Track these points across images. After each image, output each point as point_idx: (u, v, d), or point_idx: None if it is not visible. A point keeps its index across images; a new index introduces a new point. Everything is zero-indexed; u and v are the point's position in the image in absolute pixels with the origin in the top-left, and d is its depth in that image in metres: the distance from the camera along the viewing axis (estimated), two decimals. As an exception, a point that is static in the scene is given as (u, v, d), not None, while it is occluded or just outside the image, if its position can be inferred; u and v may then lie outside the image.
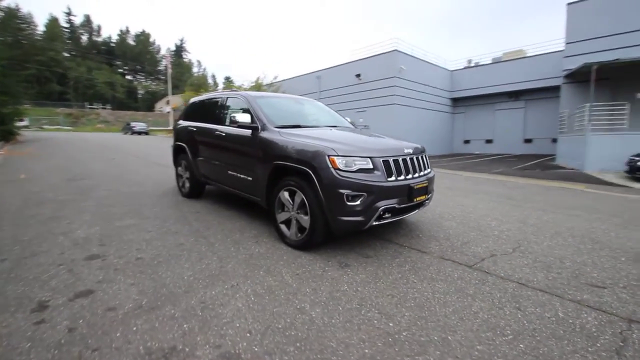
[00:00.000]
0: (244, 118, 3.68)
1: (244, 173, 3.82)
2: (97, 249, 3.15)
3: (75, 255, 2.99)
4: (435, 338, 1.93)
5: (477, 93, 23.42)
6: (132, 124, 37.66)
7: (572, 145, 12.58)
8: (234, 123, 3.73)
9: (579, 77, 13.55)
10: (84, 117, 54.53)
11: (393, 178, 3.01)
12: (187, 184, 5.23)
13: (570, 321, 2.13)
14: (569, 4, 13.82)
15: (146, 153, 13.89)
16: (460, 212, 4.87)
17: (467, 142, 24.39)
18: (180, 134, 5.34)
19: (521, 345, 1.88)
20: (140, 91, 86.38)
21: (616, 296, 2.44)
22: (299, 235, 3.19)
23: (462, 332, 1.99)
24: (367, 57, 21.69)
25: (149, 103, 78.88)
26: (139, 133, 35.95)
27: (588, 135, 11.11)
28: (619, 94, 12.89)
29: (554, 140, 17.88)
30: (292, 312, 2.16)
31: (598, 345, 1.89)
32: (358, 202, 2.84)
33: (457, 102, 24.98)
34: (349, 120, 4.80)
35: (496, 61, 25.07)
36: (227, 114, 4.37)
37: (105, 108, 63.59)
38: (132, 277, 2.58)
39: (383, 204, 2.92)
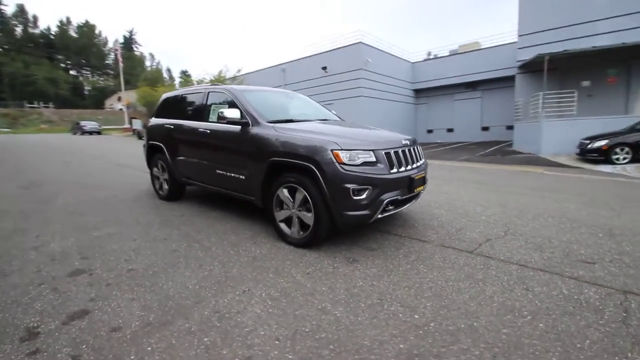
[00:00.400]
0: (233, 113, 3.48)
1: (235, 172, 3.63)
2: (80, 262, 2.84)
3: (56, 271, 2.68)
4: (462, 326, 1.96)
5: (438, 84, 24.33)
6: (82, 123, 34.82)
7: (528, 132, 13.52)
8: (222, 119, 3.53)
9: (531, 67, 14.54)
10: (24, 117, 49.41)
11: (395, 170, 3.01)
12: (166, 186, 4.91)
13: (575, 297, 2.27)
14: (521, -2, 14.72)
15: (104, 154, 12.87)
16: (445, 199, 5.04)
17: (430, 131, 25.34)
18: (154, 133, 4.97)
19: (541, 325, 1.97)
20: (87, 87, 79.81)
21: (607, 270, 2.65)
22: (302, 233, 3.11)
23: (485, 317, 2.04)
24: (332, 50, 21.68)
25: (97, 100, 73.05)
26: (90, 133, 33.33)
27: (542, 121, 12.00)
28: (567, 83, 14.03)
29: (509, 127, 19.14)
30: (315, 313, 2.09)
31: (606, 317, 2.03)
32: (364, 196, 2.81)
33: (419, 93, 25.81)
34: (334, 112, 4.74)
35: (453, 53, 26.15)
36: (210, 109, 4.12)
37: (47, 107, 57.92)
38: (129, 292, 2.36)
39: (387, 197, 2.92)
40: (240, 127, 3.57)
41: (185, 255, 2.97)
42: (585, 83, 13.75)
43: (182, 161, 4.46)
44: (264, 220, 3.95)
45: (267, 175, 3.28)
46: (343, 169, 2.79)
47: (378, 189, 2.85)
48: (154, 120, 5.11)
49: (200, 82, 26.58)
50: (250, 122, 3.52)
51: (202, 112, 4.20)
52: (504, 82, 20.36)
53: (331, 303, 2.21)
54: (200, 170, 4.18)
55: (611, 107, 13.06)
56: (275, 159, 3.16)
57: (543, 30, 13.96)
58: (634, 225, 3.78)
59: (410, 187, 3.13)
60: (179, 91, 4.87)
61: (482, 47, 24.26)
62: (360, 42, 20.33)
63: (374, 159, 2.90)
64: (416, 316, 2.06)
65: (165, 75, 68.10)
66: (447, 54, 27.11)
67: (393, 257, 2.93)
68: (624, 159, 9.43)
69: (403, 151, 3.19)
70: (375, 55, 21.48)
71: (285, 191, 3.15)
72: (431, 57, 28.20)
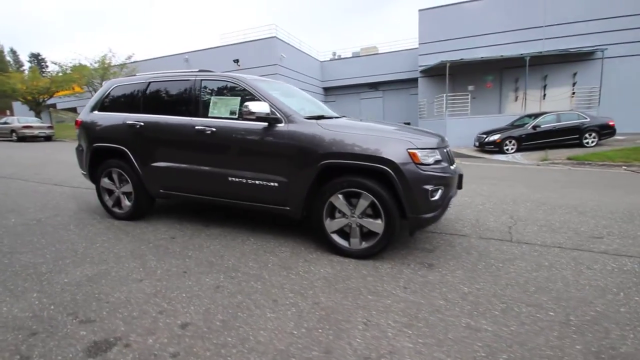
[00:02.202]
0: (261, 108, 2.85)
1: (263, 179, 2.99)
2: (88, 329, 1.87)
3: (63, 353, 1.69)
4: (593, 314, 2.04)
5: (344, 83, 25.79)
6: None
7: (432, 128, 15.58)
8: (248, 114, 2.84)
9: (431, 72, 16.80)
10: None
11: (452, 168, 2.97)
12: (127, 202, 3.74)
13: (625, 269, 2.65)
14: (420, 10, 16.79)
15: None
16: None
17: (341, 128, 26.68)
18: (103, 132, 3.71)
19: (636, 298, 2.21)
20: None
21: (618, 242, 3.20)
22: (364, 243, 2.78)
23: (597, 300, 2.18)
24: (245, 42, 20.57)
25: None
26: None
27: (447, 119, 14.04)
28: (457, 87, 16.73)
29: (406, 124, 21.81)
30: (467, 332, 1.86)
31: (664, 283, 2.43)
32: (437, 197, 2.68)
33: (328, 91, 26.90)
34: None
35: (355, 55, 28.13)
36: (207, 102, 3.29)
37: None
38: (222, 357, 1.66)
39: (451, 195, 2.86)
40: (266, 124, 2.96)
41: (240, 291, 2.30)
42: (471, 87, 16.65)
43: (161, 169, 3.45)
44: (283, 231, 3.41)
45: (316, 181, 2.82)
46: (420, 169, 2.60)
47: (447, 188, 2.77)
48: (98, 116, 3.82)
49: (76, 68, 21.64)
50: (282, 118, 2.95)
51: (192, 105, 3.31)
52: (404, 83, 22.95)
53: (468, 317, 2.01)
54: (196, 179, 3.30)
55: (489, 108, 16.20)
56: (330, 161, 2.72)
57: (440, 40, 16.26)
58: (589, 203, 4.70)
59: (460, 184, 3.15)
60: (144, 76, 3.73)
61: (380, 51, 26.79)
62: (275, 37, 19.87)
63: (439, 157, 2.79)
64: (551, 313, 2.05)
65: (8, 59, 53.10)
66: (351, 55, 28.97)
67: (458, 257, 2.89)
68: (512, 149, 11.80)
69: (448, 149, 3.18)
70: (289, 52, 21.36)
71: (341, 197, 2.76)
72: (336, 57, 29.66)
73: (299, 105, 3.50)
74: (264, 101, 2.96)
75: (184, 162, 3.34)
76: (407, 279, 2.48)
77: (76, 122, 4.00)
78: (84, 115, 3.93)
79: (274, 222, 3.77)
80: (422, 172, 2.59)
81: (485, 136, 12.19)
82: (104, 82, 4.16)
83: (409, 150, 2.60)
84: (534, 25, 14.89)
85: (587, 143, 11.48)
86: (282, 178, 2.93)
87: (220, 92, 3.30)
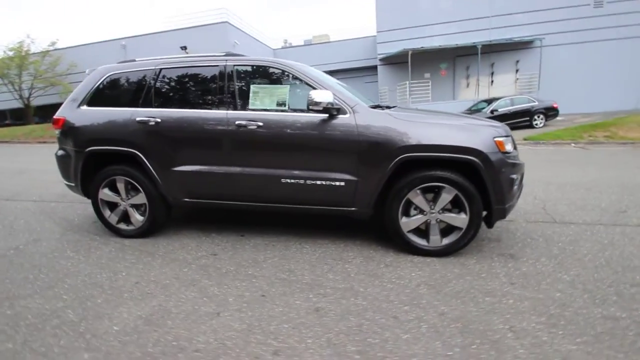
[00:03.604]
0: (325, 97, 2.47)
1: (326, 178, 2.63)
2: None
3: None
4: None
5: (300, 72, 25.18)
6: None
7: (396, 115, 15.99)
8: (313, 105, 2.45)
9: (391, 60, 17.13)
10: None
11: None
12: (139, 215, 3.09)
13: (674, 240, 2.86)
14: (377, -2, 16.90)
15: None
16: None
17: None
18: (108, 133, 2.95)
19: None
20: None
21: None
22: (444, 239, 2.61)
23: (686, 276, 2.29)
24: (192, 27, 18.87)
25: None
26: None
27: (411, 105, 14.46)
28: (414, 74, 17.30)
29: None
30: (616, 324, 1.79)
31: None
32: (516, 185, 2.61)
33: (283, 80, 26.10)
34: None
35: (307, 43, 27.69)
36: (242, 91, 2.78)
37: None
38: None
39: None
40: (326, 115, 2.60)
41: (348, 311, 1.97)
42: (427, 75, 17.36)
43: (187, 173, 2.87)
44: (331, 234, 3.10)
45: (391, 177, 2.55)
46: (506, 157, 2.48)
47: (522, 175, 2.71)
48: (90, 112, 3.05)
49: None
50: (346, 108, 2.60)
51: (226, 96, 2.78)
52: (357, 71, 23.12)
53: (595, 306, 1.94)
54: (236, 183, 2.80)
55: (444, 94, 17.08)
56: (409, 155, 2.47)
57: (397, 29, 16.58)
58: (583, 179, 5.08)
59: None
60: (148, 62, 3.02)
61: (332, 39, 26.69)
62: (226, 22, 18.55)
63: (513, 145, 2.70)
64: (663, 294, 2.09)
65: None
66: (302, 43, 28.42)
67: (528, 243, 2.86)
68: (474, 132, 12.56)
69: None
70: (241, 38, 20.17)
71: (420, 193, 2.54)
72: (287, 45, 28.88)
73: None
74: (326, 89, 2.58)
75: (218, 164, 2.82)
76: (505, 274, 2.37)
77: (55, 120, 3.17)
78: (68, 111, 3.12)
79: (311, 224, 3.42)
80: (507, 160, 2.48)
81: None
82: (87, 70, 3.30)
83: (495, 139, 2.46)
84: (481, 16, 15.93)
85: (537, 124, 12.70)
86: (349, 176, 2.61)
87: (259, 79, 2.83)
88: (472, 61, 16.37)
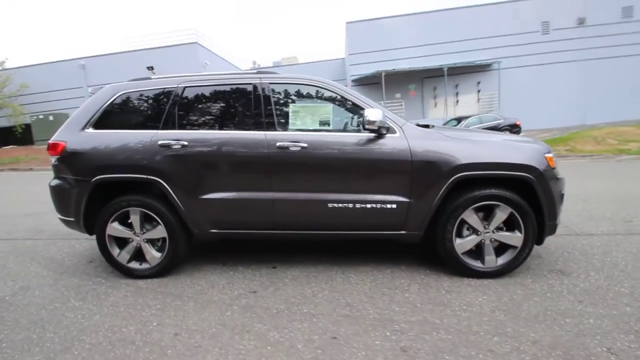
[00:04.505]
0: (377, 115, 2.35)
1: (377, 201, 2.46)
2: None
3: None
4: None
5: (271, 92, 25.24)
6: None
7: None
8: (369, 124, 2.32)
9: (363, 81, 17.68)
10: None
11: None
12: (156, 252, 2.70)
13: (692, 247, 3.03)
14: (348, 22, 17.55)
15: None
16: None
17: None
18: (122, 159, 2.56)
19: None
20: None
21: (653, 223, 3.67)
22: (499, 260, 2.53)
23: None
24: (160, 47, 18.20)
25: None
26: None
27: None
28: (387, 94, 17.97)
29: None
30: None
31: None
32: (563, 200, 2.63)
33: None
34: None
35: (276, 65, 27.97)
36: (280, 111, 2.59)
37: None
38: None
39: None
40: (372, 135, 2.47)
41: (438, 349, 1.78)
42: (398, 95, 18.11)
43: (217, 202, 2.56)
44: (370, 259, 2.92)
45: (442, 197, 2.45)
46: (556, 173, 2.50)
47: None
48: (98, 135, 2.66)
49: None
50: (395, 127, 2.50)
51: (263, 116, 2.56)
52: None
53: (678, 322, 1.94)
54: (276, 210, 2.55)
55: (415, 113, 17.84)
56: (464, 174, 2.40)
57: (368, 52, 17.24)
58: (574, 190, 5.36)
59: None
60: (169, 79, 2.71)
61: (300, 61, 27.23)
62: (196, 43, 18.17)
63: (553, 160, 2.75)
64: None
65: None
66: (271, 65, 28.65)
67: (567, 258, 2.88)
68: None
69: None
70: (212, 59, 19.84)
71: (474, 212, 2.47)
72: (256, 66, 28.99)
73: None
74: (376, 108, 2.47)
75: (255, 189, 2.56)
76: (567, 291, 2.32)
77: (52, 145, 2.72)
78: (68, 134, 2.70)
79: (341, 250, 3.22)
80: (557, 176, 2.50)
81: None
82: (89, 89, 2.90)
83: (546, 155, 2.47)
84: (445, 41, 17.10)
85: (503, 140, 13.57)
86: (402, 198, 2.47)
87: (297, 98, 2.66)
88: (438, 82, 17.40)
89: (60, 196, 2.78)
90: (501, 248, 2.56)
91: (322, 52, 27.62)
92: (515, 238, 2.49)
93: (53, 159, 2.77)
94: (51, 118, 16.62)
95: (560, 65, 16.80)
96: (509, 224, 2.51)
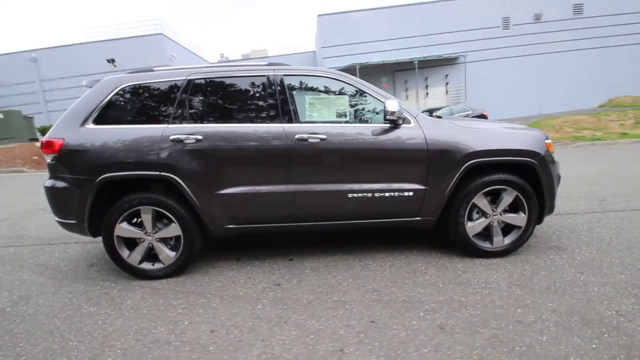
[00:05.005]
0: (395, 106, 2.42)
1: (395, 189, 2.55)
2: None
3: None
4: None
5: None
6: None
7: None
8: (390, 115, 2.38)
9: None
10: None
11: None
12: (169, 250, 2.60)
13: (659, 220, 3.42)
14: (319, 15, 17.47)
15: None
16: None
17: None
18: (131, 155, 2.43)
19: None
20: None
21: (624, 200, 4.08)
22: (505, 240, 2.72)
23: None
24: (122, 39, 17.06)
25: None
26: None
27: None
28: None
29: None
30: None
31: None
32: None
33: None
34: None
35: (245, 57, 27.35)
36: (295, 103, 2.57)
37: None
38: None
39: None
40: (387, 126, 2.55)
41: (483, 324, 1.91)
42: (371, 88, 18.37)
43: (234, 196, 2.51)
44: (381, 246, 3.02)
45: (457, 183, 2.59)
46: (554, 158, 2.72)
47: (557, 173, 2.99)
48: (101, 131, 2.50)
49: None
50: (410, 118, 2.59)
51: (279, 108, 2.54)
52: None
53: (666, 284, 2.21)
54: (295, 202, 2.55)
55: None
56: (476, 160, 2.54)
57: (341, 45, 17.32)
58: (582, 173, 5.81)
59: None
60: (173, 72, 2.59)
61: (270, 54, 26.80)
62: (161, 34, 17.25)
63: (549, 146, 2.97)
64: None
65: None
66: (240, 57, 27.94)
67: (563, 235, 3.15)
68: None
69: None
70: (179, 51, 18.97)
71: (483, 196, 2.63)
72: (224, 59, 28.13)
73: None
74: (393, 99, 2.53)
75: (274, 182, 2.54)
76: (568, 265, 2.54)
77: (48, 143, 2.52)
78: (66, 131, 2.51)
79: (349, 239, 3.29)
80: (555, 160, 2.72)
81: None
82: (84, 81, 2.67)
83: (545, 142, 2.68)
84: (414, 35, 17.59)
85: (472, 130, 14.30)
86: (418, 185, 2.58)
87: (311, 89, 2.66)
88: (409, 75, 17.89)
89: (58, 198, 2.59)
90: (506, 229, 2.75)
91: (292, 45, 27.27)
92: (520, 219, 2.69)
93: (49, 158, 2.57)
94: (1, 116, 15.07)
95: (520, 59, 17.94)
96: (513, 206, 2.70)
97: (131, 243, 2.63)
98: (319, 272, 2.64)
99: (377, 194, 2.57)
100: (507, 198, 2.64)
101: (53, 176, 2.60)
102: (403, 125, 2.57)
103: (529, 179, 2.65)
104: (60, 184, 2.56)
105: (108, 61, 17.06)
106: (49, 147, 2.53)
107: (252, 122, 2.57)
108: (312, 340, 1.84)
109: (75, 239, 3.76)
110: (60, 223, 2.67)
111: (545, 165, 2.62)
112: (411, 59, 16.42)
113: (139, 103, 2.61)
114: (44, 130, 16.11)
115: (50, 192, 2.60)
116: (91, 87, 2.66)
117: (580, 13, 17.72)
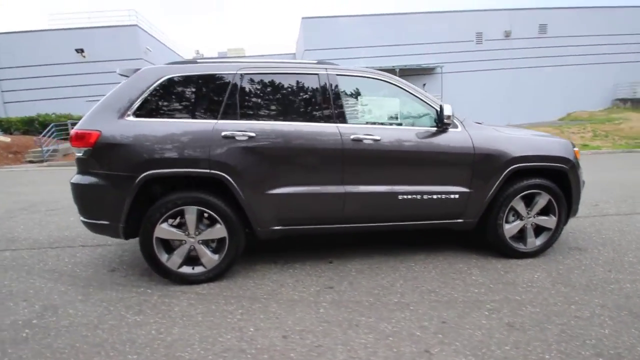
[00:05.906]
0: (449, 111, 2.50)
1: (443, 192, 2.60)
2: None
3: None
4: None
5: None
6: None
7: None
8: (447, 119, 2.44)
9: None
10: None
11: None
12: (212, 253, 2.46)
13: (651, 223, 3.79)
14: (304, 18, 17.47)
15: None
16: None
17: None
18: (178, 151, 2.29)
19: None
20: None
21: (615, 205, 4.46)
22: (537, 241, 2.88)
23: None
24: (93, 27, 15.96)
25: None
26: None
27: (346, 121, 15.32)
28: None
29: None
30: None
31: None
32: (580, 187, 3.08)
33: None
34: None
35: (222, 56, 26.69)
36: (348, 104, 2.55)
37: None
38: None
39: None
40: (434, 129, 2.61)
41: (546, 321, 1.99)
42: (352, 92, 18.66)
43: (285, 197, 2.43)
44: (417, 247, 3.08)
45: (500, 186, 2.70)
46: (580, 164, 2.92)
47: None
48: (143, 124, 2.31)
49: None
50: (457, 123, 2.67)
51: (332, 108, 2.50)
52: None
53: (686, 281, 2.45)
54: (345, 204, 2.52)
55: (368, 111, 18.66)
56: (518, 165, 2.67)
57: (324, 49, 17.42)
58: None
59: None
60: (218, 65, 2.46)
61: (247, 54, 26.44)
62: (136, 26, 16.35)
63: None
64: (700, 263, 2.76)
65: None
66: (217, 55, 27.24)
67: (580, 237, 3.38)
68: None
69: None
70: (154, 45, 18.10)
71: (520, 200, 2.77)
72: (200, 55, 27.31)
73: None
74: (447, 104, 2.59)
75: (327, 183, 2.50)
76: (595, 264, 2.74)
77: (81, 135, 2.29)
78: (103, 122, 2.30)
79: (379, 240, 3.32)
80: (580, 167, 2.92)
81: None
82: (130, 70, 2.43)
83: (574, 149, 2.87)
84: (394, 43, 18.13)
85: (450, 137, 14.97)
86: (463, 188, 2.66)
87: (364, 90, 2.65)
88: (389, 82, 18.40)
89: (90, 196, 2.37)
90: (537, 231, 2.91)
91: (269, 46, 27.08)
92: (550, 221, 2.85)
93: (80, 152, 2.34)
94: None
95: (492, 72, 19.12)
96: (544, 209, 2.87)
97: (168, 246, 2.46)
98: (366, 275, 2.63)
99: (425, 196, 2.61)
100: (541, 201, 2.80)
101: (83, 172, 2.38)
102: (451, 129, 2.65)
103: (558, 184, 2.83)
104: (93, 180, 2.34)
105: (77, 51, 15.87)
106: (82, 140, 2.31)
107: (305, 120, 2.52)
108: (393, 343, 1.82)
109: (80, 241, 3.46)
110: (87, 224, 2.44)
111: (574, 171, 2.81)
112: (393, 66, 16.91)
113: (185, 96, 2.46)
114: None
115: (80, 189, 2.37)
116: (128, 77, 2.47)
117: (545, 33, 19.30)
